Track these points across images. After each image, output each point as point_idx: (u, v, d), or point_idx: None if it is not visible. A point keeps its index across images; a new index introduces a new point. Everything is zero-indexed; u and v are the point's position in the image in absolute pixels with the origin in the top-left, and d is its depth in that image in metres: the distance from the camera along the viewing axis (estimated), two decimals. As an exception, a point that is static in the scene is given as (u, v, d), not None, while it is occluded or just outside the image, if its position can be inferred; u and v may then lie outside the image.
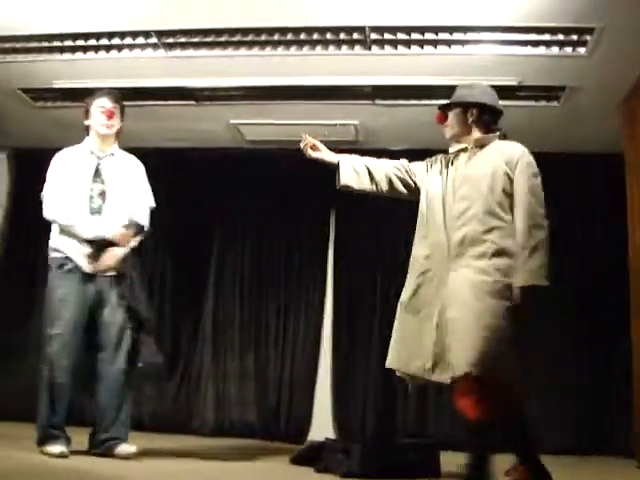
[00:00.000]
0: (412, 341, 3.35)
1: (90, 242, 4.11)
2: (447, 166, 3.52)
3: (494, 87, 4.93)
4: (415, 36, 4.51)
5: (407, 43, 4.59)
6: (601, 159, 6.01)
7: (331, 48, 4.68)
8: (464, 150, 3.51)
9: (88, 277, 4.12)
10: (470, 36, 4.50)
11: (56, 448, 3.86)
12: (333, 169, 3.64)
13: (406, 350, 3.38)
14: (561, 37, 4.43)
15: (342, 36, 4.55)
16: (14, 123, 6.27)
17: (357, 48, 4.67)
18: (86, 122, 4.39)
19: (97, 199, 4.23)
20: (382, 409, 5.99)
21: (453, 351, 3.19)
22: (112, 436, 4.08)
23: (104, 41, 4.81)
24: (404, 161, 3.69)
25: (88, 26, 4.65)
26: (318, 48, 4.69)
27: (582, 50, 4.54)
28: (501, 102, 5.15)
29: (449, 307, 3.25)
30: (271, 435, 5.99)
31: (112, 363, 4.10)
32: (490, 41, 4.56)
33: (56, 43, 4.86)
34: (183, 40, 4.71)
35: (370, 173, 3.60)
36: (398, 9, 4.28)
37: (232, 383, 6.21)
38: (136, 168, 4.46)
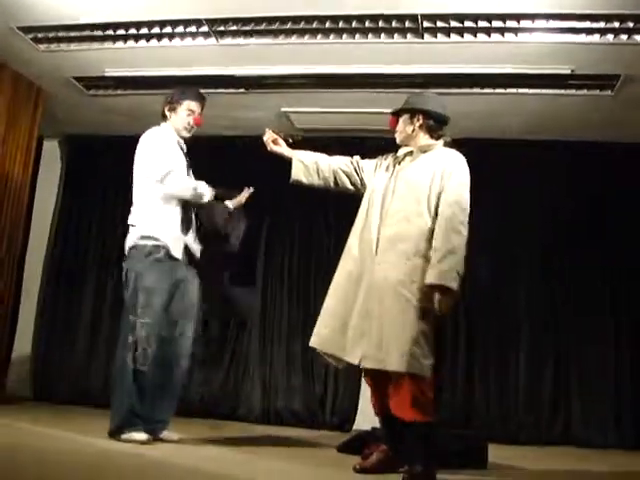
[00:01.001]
0: (335, 325, 3.60)
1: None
2: (394, 166, 3.77)
3: (547, 75, 4.96)
4: (468, 24, 4.46)
5: (460, 31, 4.55)
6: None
7: (383, 36, 4.65)
8: (410, 154, 3.74)
9: (175, 265, 4.14)
10: (524, 24, 4.43)
11: (140, 435, 3.87)
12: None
13: (328, 332, 3.63)
14: (616, 24, 4.33)
15: (394, 24, 4.51)
16: (67, 111, 6.37)
17: (409, 36, 4.63)
18: (167, 112, 4.32)
19: None
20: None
21: (375, 344, 3.43)
22: (160, 419, 4.12)
23: (156, 30, 4.85)
24: (356, 158, 3.99)
25: (140, 15, 4.69)
26: (370, 36, 4.66)
27: (638, 37, 4.43)
28: (554, 91, 5.21)
29: (371, 299, 3.50)
30: (317, 423, 6.01)
31: (173, 348, 4.14)
32: (544, 29, 4.48)
33: (109, 32, 4.91)
34: (234, 28, 4.71)
35: (318, 169, 3.94)
36: (451, -4, 4.25)
37: (279, 371, 6.24)
38: None
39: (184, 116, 4.28)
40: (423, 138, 3.73)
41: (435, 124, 3.73)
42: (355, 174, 3.92)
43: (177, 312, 4.16)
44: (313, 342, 3.69)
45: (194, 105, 4.31)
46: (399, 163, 3.75)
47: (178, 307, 4.16)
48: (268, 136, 4.03)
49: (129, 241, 4.19)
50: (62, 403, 6.10)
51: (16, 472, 2.75)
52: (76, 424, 4.69)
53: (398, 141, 3.83)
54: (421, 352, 3.36)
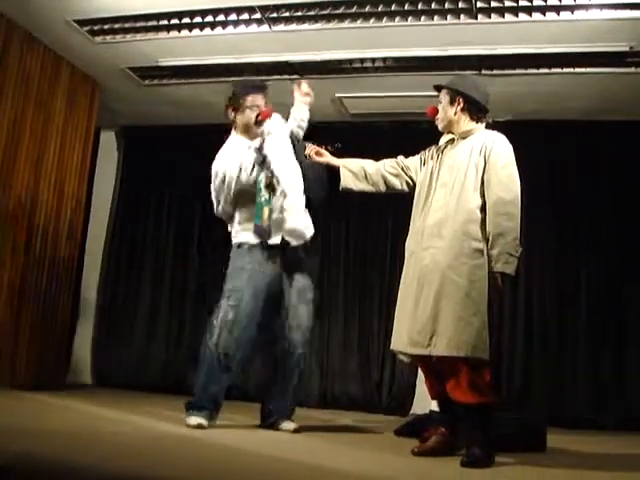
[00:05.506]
0: (401, 321, 3.63)
1: None
2: (437, 156, 3.76)
3: (605, 53, 4.85)
4: (522, 3, 4.40)
5: (514, 10, 4.49)
6: None
7: (436, 18, 4.63)
8: (451, 141, 3.72)
9: (269, 254, 4.06)
10: (580, 1, 4.36)
11: (193, 420, 3.83)
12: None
13: (395, 330, 3.67)
14: (677, -2, 4.23)
15: (447, 5, 4.48)
16: (123, 101, 6.46)
17: (463, 17, 4.59)
18: (232, 114, 4.16)
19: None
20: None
21: (434, 331, 3.42)
22: (278, 410, 4.13)
23: (209, 18, 4.90)
24: (401, 157, 3.97)
25: (193, 4, 4.74)
26: (423, 18, 4.64)
27: (700, 10, 4.33)
28: (611, 69, 5.09)
29: (422, 286, 3.51)
30: (374, 407, 6.02)
31: (288, 339, 4.09)
32: (600, 5, 4.40)
33: (162, 22, 4.97)
34: (287, 14, 4.74)
35: (366, 175, 3.96)
36: (506, -25, 4.20)
37: (336, 355, 6.27)
38: None
39: (250, 113, 4.11)
40: (464, 122, 3.68)
41: (476, 106, 3.67)
42: (403, 173, 3.92)
43: (285, 301, 4.10)
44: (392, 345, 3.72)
45: (258, 98, 4.14)
46: (442, 151, 3.73)
47: (284, 296, 4.10)
48: (311, 149, 4.13)
49: None
50: (121, 388, 6.23)
51: (81, 454, 2.82)
52: (134, 408, 4.76)
53: (440, 128, 3.78)
54: (475, 334, 3.35)
